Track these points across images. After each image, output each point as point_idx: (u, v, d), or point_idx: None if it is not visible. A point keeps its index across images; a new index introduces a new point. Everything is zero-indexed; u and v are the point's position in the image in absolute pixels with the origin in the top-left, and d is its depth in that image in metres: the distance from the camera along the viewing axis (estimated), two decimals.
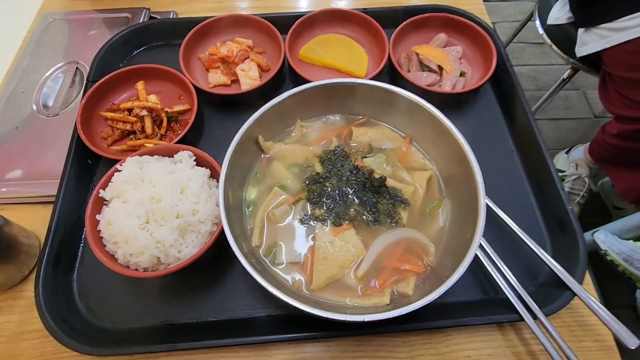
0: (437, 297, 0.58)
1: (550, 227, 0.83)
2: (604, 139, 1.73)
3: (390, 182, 0.75)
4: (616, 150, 1.67)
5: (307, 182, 0.76)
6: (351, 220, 0.71)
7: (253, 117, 0.73)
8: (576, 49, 1.60)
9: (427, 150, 0.81)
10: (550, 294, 0.74)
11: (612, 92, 1.55)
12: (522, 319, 0.70)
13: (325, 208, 0.72)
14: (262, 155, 0.80)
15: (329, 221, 0.71)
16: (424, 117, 0.75)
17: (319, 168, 0.78)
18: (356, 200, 0.73)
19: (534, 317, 0.69)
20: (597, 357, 0.72)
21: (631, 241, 1.50)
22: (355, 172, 0.76)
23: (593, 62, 1.65)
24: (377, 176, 0.74)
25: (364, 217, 0.72)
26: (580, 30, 1.55)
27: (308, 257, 0.69)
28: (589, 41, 1.51)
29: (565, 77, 2.06)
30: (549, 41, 1.81)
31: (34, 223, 0.87)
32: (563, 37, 1.71)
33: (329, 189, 0.74)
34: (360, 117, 0.85)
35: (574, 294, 0.71)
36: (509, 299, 0.72)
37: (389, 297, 0.65)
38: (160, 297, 0.77)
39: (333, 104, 0.82)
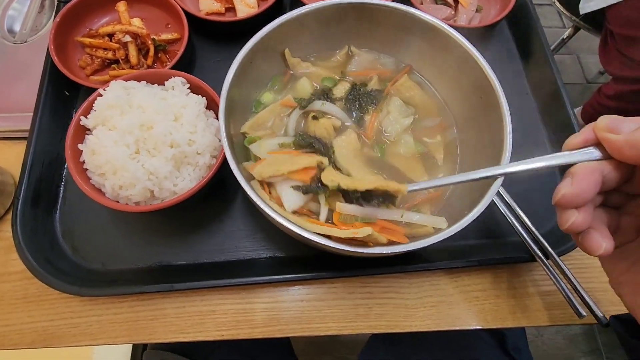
0: (456, 231, 0.54)
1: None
2: (599, 101, 1.72)
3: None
4: (611, 112, 1.66)
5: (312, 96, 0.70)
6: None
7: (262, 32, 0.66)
8: (580, 6, 1.55)
9: (443, 90, 0.75)
10: (561, 236, 0.73)
11: (613, 51, 1.53)
12: (533, 260, 0.68)
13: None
14: (287, 71, 0.74)
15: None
16: (441, 45, 0.68)
17: (339, 90, 0.71)
18: None
19: (547, 257, 0.68)
20: (604, 298, 0.71)
21: None
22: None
23: (595, 20, 1.61)
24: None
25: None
26: None
27: None
28: None
29: (565, 37, 2.01)
30: None
31: (7, 161, 0.79)
32: None
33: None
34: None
35: None
36: (517, 241, 0.70)
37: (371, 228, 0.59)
38: (153, 237, 0.71)
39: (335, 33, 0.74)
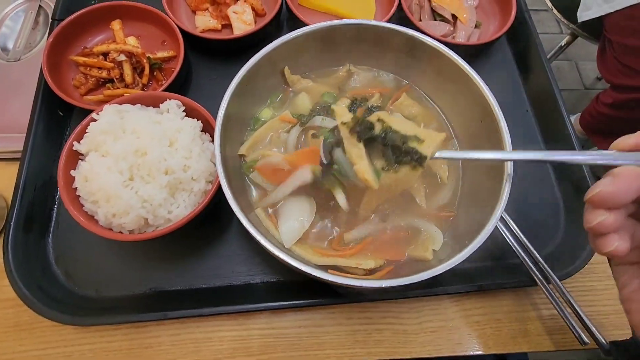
0: (455, 264, 0.54)
1: (566, 192, 0.79)
2: (597, 108, 1.71)
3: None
4: (609, 120, 1.66)
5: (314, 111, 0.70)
6: None
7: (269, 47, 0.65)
8: (578, 14, 1.55)
9: (444, 107, 0.74)
10: (563, 259, 0.72)
11: (611, 59, 1.52)
12: (535, 284, 0.67)
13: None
14: (286, 88, 0.74)
15: None
16: (444, 68, 0.67)
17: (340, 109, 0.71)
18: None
19: (548, 281, 0.67)
20: (607, 322, 0.70)
21: None
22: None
23: (593, 28, 1.61)
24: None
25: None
26: None
27: None
28: (592, 5, 1.46)
29: (563, 44, 2.01)
30: (550, 4, 1.75)
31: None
32: (564, 1, 1.66)
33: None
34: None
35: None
36: (518, 264, 0.69)
37: (374, 261, 0.59)
38: (148, 263, 0.70)
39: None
